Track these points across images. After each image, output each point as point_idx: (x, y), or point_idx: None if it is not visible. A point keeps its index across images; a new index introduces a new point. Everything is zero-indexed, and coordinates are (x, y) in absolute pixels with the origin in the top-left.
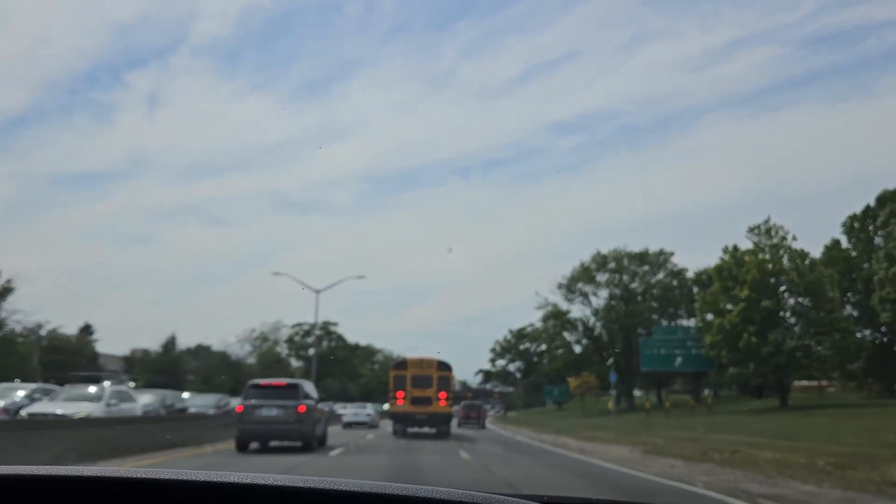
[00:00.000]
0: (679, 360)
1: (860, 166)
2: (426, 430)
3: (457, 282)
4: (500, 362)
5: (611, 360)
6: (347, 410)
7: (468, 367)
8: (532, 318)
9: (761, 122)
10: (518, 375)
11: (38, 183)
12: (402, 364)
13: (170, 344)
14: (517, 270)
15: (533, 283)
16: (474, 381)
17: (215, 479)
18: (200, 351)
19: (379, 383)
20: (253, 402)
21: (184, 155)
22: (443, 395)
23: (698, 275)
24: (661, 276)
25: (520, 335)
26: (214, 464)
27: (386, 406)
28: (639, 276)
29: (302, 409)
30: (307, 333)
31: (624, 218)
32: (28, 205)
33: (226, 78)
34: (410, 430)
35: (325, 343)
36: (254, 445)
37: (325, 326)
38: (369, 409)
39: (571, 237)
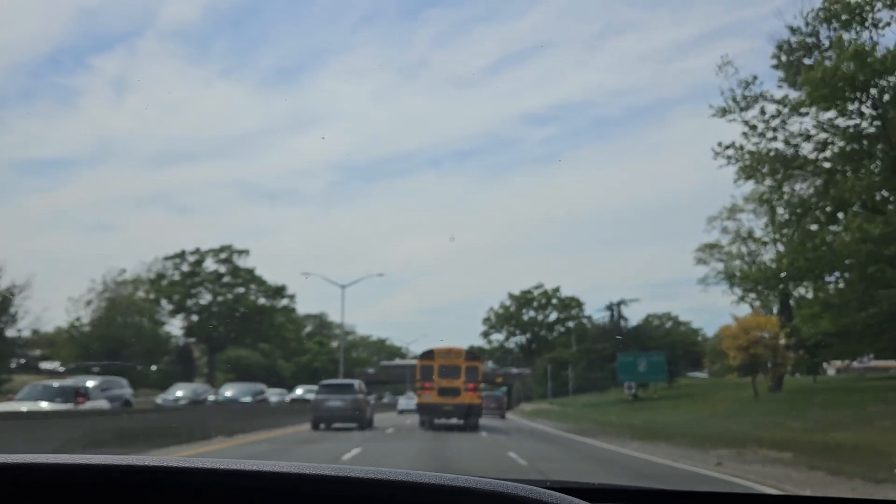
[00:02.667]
0: None
1: None
2: (454, 421)
3: (428, 272)
4: (497, 336)
5: None
6: (401, 400)
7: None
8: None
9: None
10: (518, 352)
11: None
12: (429, 354)
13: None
14: (489, 261)
15: (504, 274)
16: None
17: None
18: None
19: (331, 363)
20: (322, 396)
21: (151, 142)
22: (471, 385)
23: None
24: None
25: (523, 301)
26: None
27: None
28: None
29: (356, 401)
30: (193, 273)
31: (596, 209)
32: None
33: (194, 64)
34: (437, 421)
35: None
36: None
37: (229, 254)
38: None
39: (543, 229)
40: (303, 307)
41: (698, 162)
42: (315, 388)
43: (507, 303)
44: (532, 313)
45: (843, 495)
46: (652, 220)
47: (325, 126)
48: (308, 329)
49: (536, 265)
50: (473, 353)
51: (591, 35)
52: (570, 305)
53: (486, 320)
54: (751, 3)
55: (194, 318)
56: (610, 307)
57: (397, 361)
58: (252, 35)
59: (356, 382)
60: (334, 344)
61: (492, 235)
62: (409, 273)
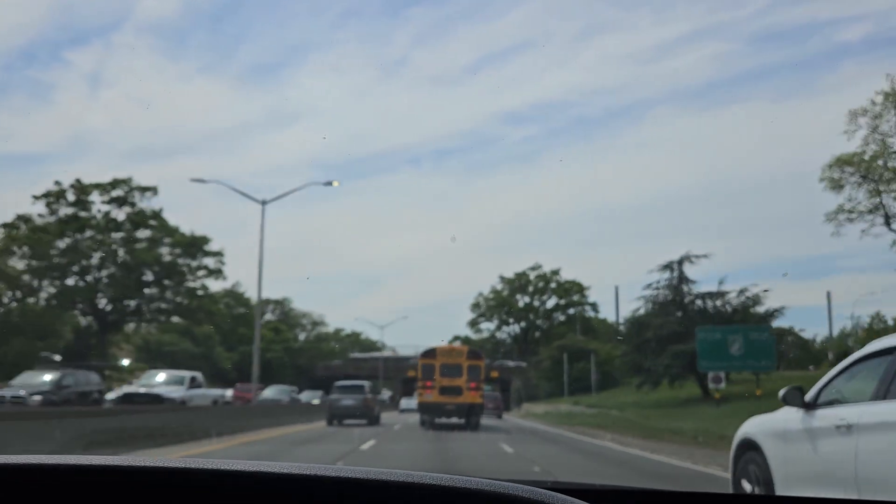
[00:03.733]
0: None
1: (802, 161)
2: (454, 420)
3: (406, 271)
4: (487, 325)
5: None
6: (403, 400)
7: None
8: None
9: (710, 116)
10: (511, 343)
11: None
12: (430, 353)
13: None
14: (467, 260)
15: (482, 274)
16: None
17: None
18: None
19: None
20: (336, 395)
21: (127, 137)
22: (473, 384)
23: None
24: None
25: (517, 284)
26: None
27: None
28: None
29: (366, 400)
30: (74, 217)
31: (575, 208)
32: None
33: (172, 59)
34: (438, 420)
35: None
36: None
37: (127, 191)
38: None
39: (522, 227)
40: (269, 292)
41: (678, 161)
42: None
43: (499, 286)
44: (528, 299)
45: None
46: (632, 220)
47: (304, 123)
48: (268, 317)
49: (517, 264)
50: (475, 352)
51: (573, 35)
52: (571, 290)
53: (475, 306)
54: (731, 5)
55: (73, 281)
56: (670, 266)
57: (369, 354)
58: (231, 30)
59: (366, 384)
60: (302, 337)
61: (472, 234)
62: (388, 271)
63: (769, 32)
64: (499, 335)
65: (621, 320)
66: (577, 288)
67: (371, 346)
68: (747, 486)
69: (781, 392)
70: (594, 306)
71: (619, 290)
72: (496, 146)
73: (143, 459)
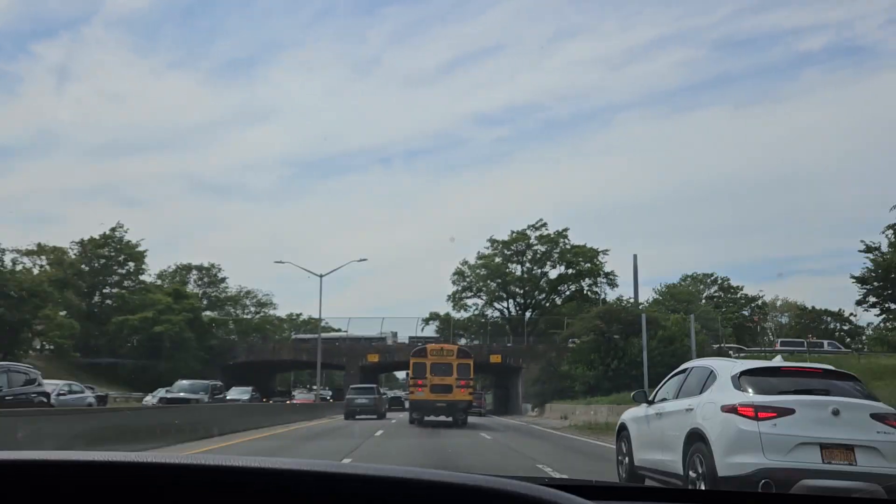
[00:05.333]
0: None
1: (763, 166)
2: (442, 418)
3: (374, 269)
4: (473, 302)
5: None
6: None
7: None
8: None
9: (675, 121)
10: (502, 322)
11: None
12: (421, 351)
13: None
14: (434, 260)
15: (449, 274)
16: (412, 332)
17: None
18: None
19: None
20: (352, 395)
21: (96, 132)
22: (463, 382)
23: None
24: None
25: (513, 249)
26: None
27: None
28: None
29: (376, 399)
30: None
31: (542, 210)
32: None
33: (142, 53)
34: (427, 418)
35: None
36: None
37: None
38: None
39: (490, 228)
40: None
41: (643, 164)
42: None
43: (489, 251)
44: (529, 266)
45: None
46: (600, 221)
47: (276, 120)
48: (192, 287)
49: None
50: (465, 351)
51: (543, 39)
52: (579, 257)
53: (458, 277)
54: (697, 12)
55: None
56: None
57: (313, 335)
58: (203, 26)
59: (375, 386)
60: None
61: (439, 234)
62: (357, 269)
63: (734, 40)
64: (489, 312)
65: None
66: (590, 254)
67: (326, 330)
68: (623, 448)
69: (632, 394)
70: (610, 277)
71: (637, 259)
72: (466, 147)
73: (137, 455)
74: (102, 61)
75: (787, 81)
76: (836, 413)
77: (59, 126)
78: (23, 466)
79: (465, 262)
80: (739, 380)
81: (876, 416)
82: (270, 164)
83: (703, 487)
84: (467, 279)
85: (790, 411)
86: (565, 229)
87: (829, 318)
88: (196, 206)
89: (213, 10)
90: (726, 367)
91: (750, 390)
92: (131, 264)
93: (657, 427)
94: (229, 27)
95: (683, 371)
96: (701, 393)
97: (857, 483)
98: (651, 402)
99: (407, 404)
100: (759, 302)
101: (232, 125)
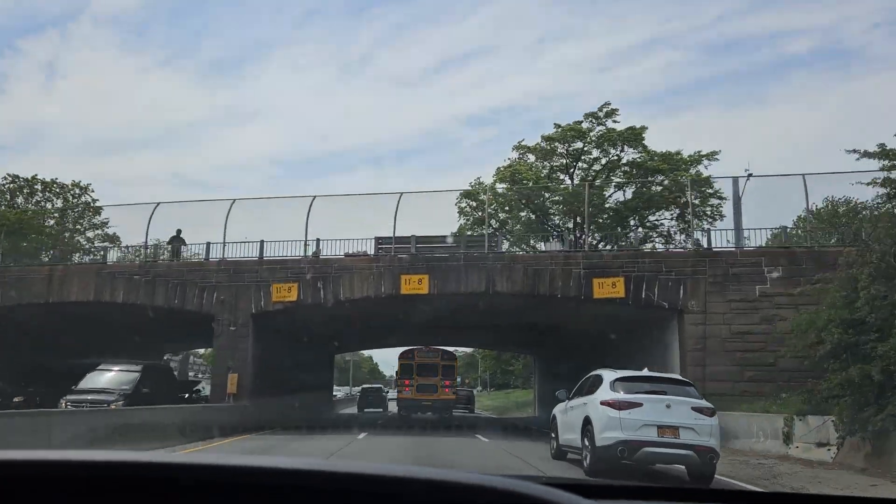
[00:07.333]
0: None
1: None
2: (429, 415)
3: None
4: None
5: None
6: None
7: None
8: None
9: (662, 122)
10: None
11: None
12: (409, 353)
13: None
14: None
15: None
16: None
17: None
18: None
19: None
20: (364, 395)
21: (83, 130)
22: (447, 383)
23: None
24: None
25: (554, 145)
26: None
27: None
28: None
29: (382, 397)
30: None
31: None
32: None
33: (131, 52)
34: (414, 415)
35: None
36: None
37: None
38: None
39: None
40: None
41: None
42: None
43: (512, 160)
44: (584, 169)
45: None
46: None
47: (264, 120)
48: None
49: None
50: (450, 354)
51: (532, 41)
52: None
53: (469, 197)
54: (683, 15)
55: None
56: None
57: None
58: (192, 25)
59: (380, 386)
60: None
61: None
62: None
63: (721, 43)
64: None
65: None
66: (637, 136)
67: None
68: (553, 433)
69: (556, 392)
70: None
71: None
72: (455, 148)
73: (133, 455)
74: (90, 59)
75: (776, 83)
76: (668, 406)
77: (45, 122)
78: (23, 466)
79: (478, 183)
80: (614, 384)
81: (695, 409)
82: (259, 164)
83: (589, 456)
84: (486, 207)
85: (639, 405)
86: (614, 109)
87: None
88: (183, 205)
89: (202, 10)
90: (610, 375)
91: (620, 391)
92: None
93: (570, 416)
94: (218, 27)
95: (588, 377)
96: (592, 393)
97: (679, 451)
98: (569, 399)
99: (394, 404)
100: None
101: (220, 124)
